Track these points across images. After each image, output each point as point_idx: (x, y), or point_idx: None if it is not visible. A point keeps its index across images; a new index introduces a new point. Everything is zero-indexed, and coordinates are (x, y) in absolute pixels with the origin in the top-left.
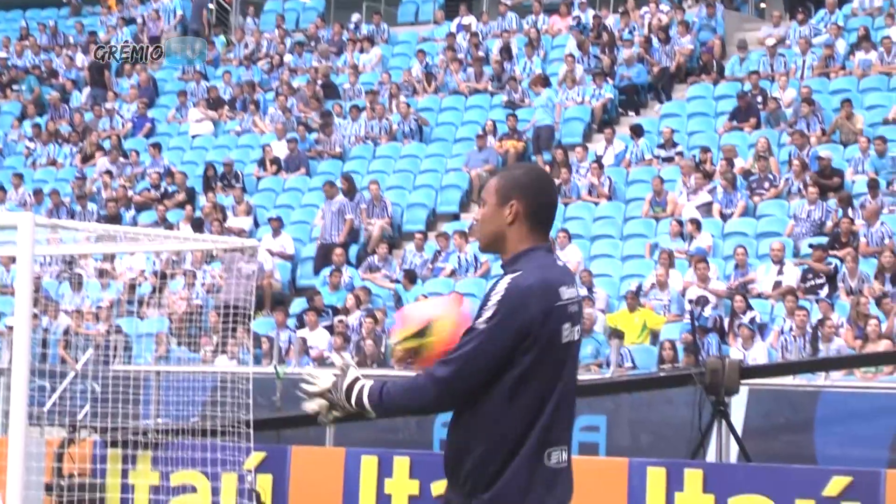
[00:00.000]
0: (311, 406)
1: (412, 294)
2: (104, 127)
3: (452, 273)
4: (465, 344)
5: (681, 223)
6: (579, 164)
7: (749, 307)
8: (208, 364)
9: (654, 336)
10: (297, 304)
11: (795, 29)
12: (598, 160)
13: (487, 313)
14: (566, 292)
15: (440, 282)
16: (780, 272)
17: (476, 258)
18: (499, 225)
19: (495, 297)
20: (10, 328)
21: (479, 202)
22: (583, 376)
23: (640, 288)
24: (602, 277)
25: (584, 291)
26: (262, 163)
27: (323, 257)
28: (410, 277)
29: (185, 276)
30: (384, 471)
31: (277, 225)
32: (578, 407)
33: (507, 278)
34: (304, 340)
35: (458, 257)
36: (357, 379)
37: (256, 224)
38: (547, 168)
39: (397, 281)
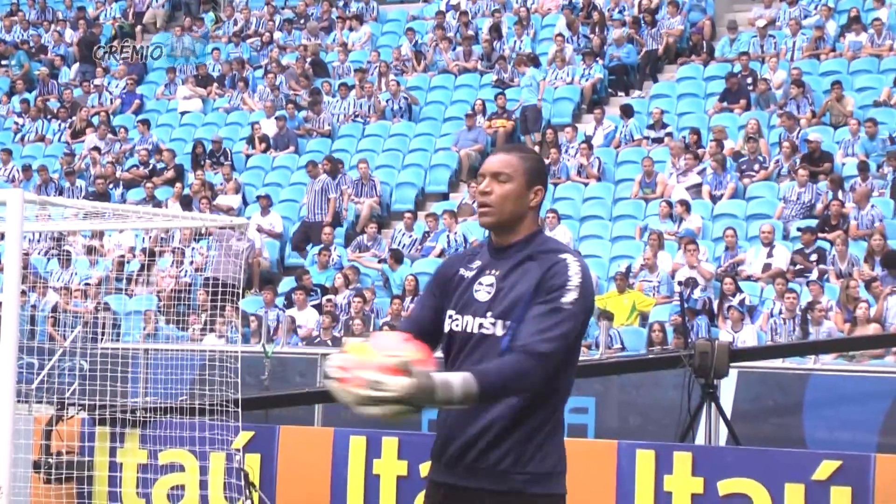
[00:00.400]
0: (378, 412)
1: (399, 274)
2: (93, 103)
3: (441, 253)
4: (561, 323)
5: (670, 204)
6: (568, 145)
7: (738, 289)
8: (196, 342)
9: (644, 318)
10: (286, 283)
11: (786, 10)
12: (588, 140)
13: (572, 294)
14: None
15: (429, 262)
16: (769, 254)
17: (465, 238)
18: (523, 206)
19: (576, 279)
20: None
21: (495, 176)
22: None
23: (629, 269)
24: (591, 258)
25: None
26: (250, 140)
27: (304, 235)
28: (397, 257)
29: (174, 253)
30: (372, 451)
31: (266, 203)
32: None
33: (574, 258)
34: (292, 319)
35: (448, 237)
36: (428, 373)
37: (245, 202)
38: (536, 148)
39: (384, 261)
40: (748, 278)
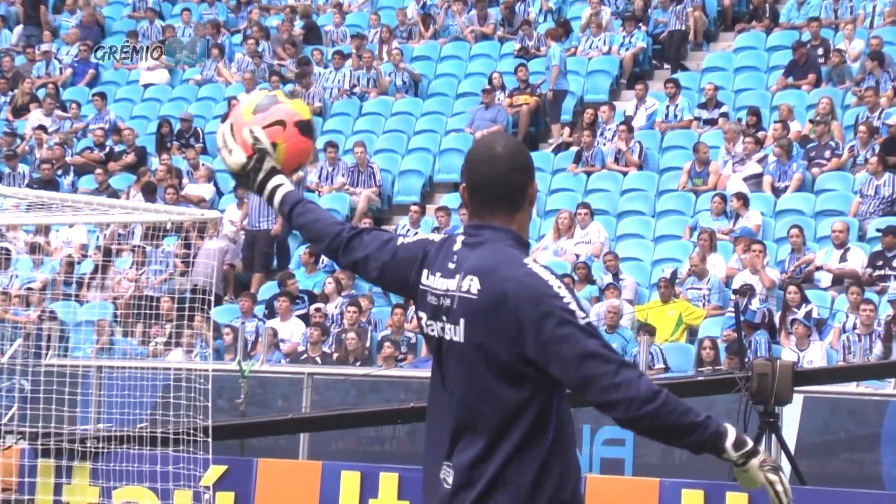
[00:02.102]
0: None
1: None
2: (39, 73)
3: None
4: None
5: (725, 198)
6: (605, 126)
7: (805, 300)
8: (159, 359)
9: (692, 333)
10: (267, 289)
11: None
12: (627, 121)
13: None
14: (433, 280)
15: None
16: (842, 258)
17: None
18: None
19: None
20: None
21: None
22: None
23: (675, 275)
24: (630, 262)
25: (608, 278)
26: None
27: (250, 250)
28: None
29: (134, 253)
30: (368, 489)
31: (243, 193)
32: (602, 417)
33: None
34: (274, 332)
35: None
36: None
37: (219, 192)
38: (566, 130)
39: None
40: (816, 286)
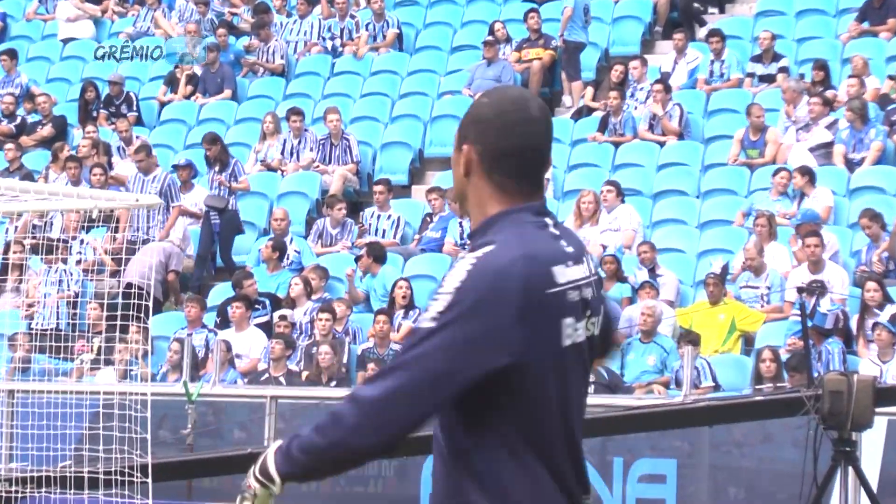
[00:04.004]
0: None
1: (381, 280)
2: None
3: (452, 247)
4: (406, 351)
5: (787, 173)
6: (636, 86)
7: (888, 299)
8: (86, 380)
9: (748, 341)
10: (219, 292)
11: None
12: (664, 79)
13: (439, 305)
14: (564, 273)
15: (432, 260)
16: None
17: None
18: (458, 178)
19: (451, 283)
20: None
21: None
22: (640, 400)
23: (725, 270)
24: (670, 253)
25: (644, 275)
26: (170, 81)
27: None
28: (376, 254)
29: (54, 248)
30: None
31: (188, 174)
32: (637, 447)
33: (470, 257)
34: (227, 345)
35: (461, 224)
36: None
37: None
38: (588, 90)
39: (359, 259)
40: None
